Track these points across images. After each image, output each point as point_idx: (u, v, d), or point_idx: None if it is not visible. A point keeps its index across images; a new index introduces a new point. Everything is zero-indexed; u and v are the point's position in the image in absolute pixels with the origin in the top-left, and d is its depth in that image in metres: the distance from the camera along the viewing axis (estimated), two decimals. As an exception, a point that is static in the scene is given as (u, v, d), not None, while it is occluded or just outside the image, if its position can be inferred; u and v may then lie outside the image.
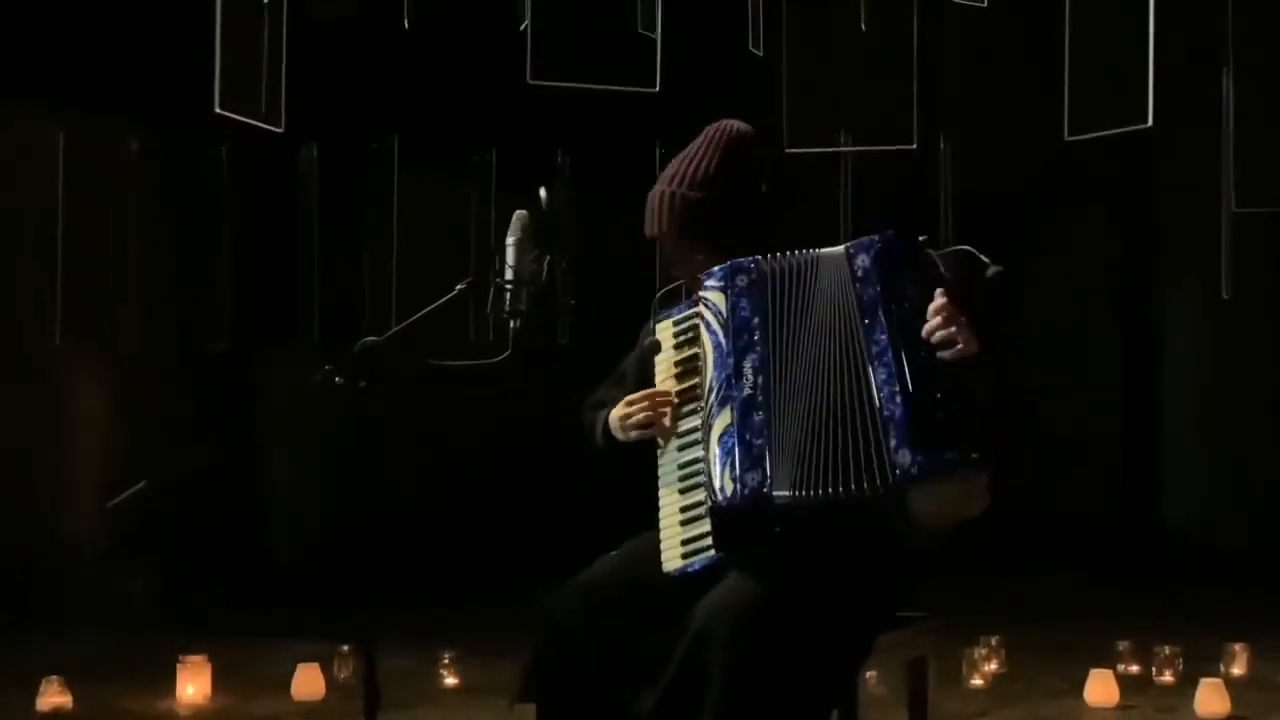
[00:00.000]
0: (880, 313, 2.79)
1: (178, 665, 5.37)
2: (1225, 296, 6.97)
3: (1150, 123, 5.40)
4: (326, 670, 5.47)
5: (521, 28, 5.58)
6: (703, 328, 2.91)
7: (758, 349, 2.85)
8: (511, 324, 2.97)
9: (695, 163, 3.04)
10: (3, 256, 7.43)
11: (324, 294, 7.65)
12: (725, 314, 2.88)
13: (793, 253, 2.90)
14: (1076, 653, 5.93)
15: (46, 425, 7.83)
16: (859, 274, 2.82)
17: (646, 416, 2.96)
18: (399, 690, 5.25)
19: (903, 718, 3.22)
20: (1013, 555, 8.99)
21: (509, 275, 2.95)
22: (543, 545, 8.32)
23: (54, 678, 5.16)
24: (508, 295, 2.95)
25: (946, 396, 2.74)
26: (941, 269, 2.84)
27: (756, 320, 2.86)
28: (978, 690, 5.50)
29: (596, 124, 7.10)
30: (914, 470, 2.71)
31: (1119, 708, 5.23)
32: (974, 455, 2.74)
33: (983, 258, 2.88)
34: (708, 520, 2.84)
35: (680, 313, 2.99)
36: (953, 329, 2.74)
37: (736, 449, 2.80)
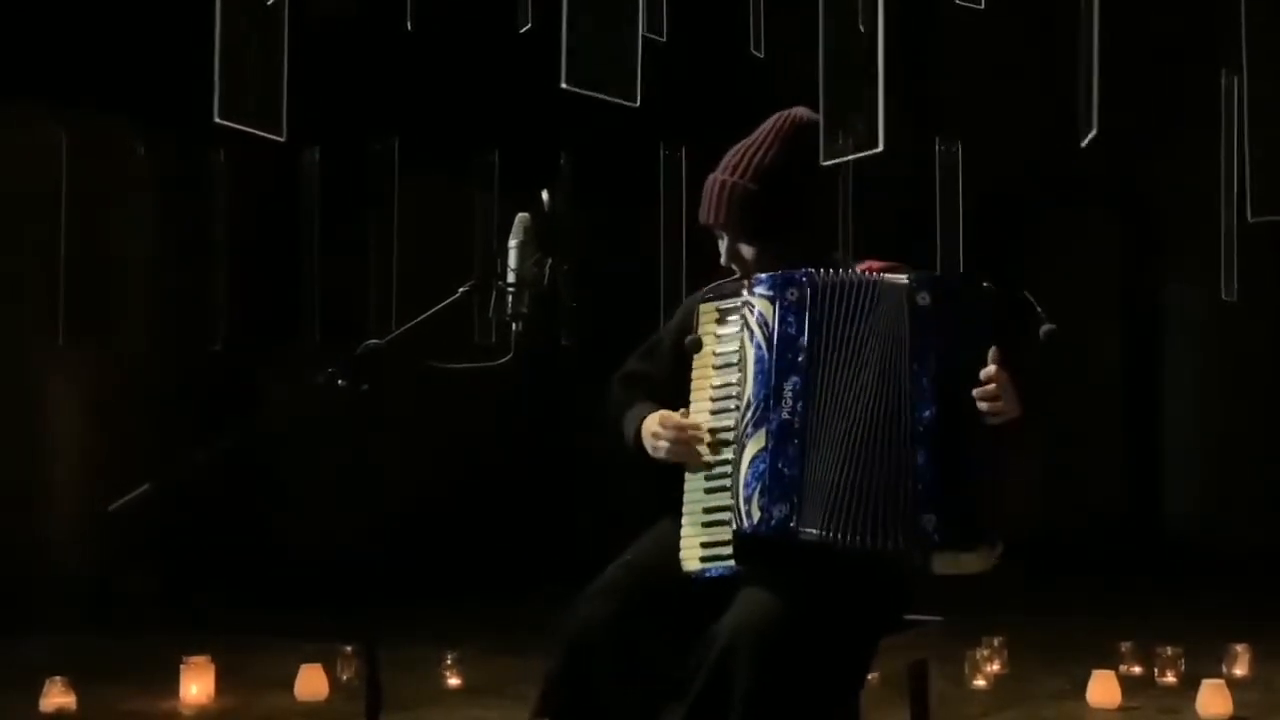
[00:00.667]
0: (931, 359, 2.75)
1: (181, 666, 5.38)
2: (1225, 298, 6.96)
3: (1094, 130, 5.38)
4: (329, 671, 5.47)
5: (524, 30, 5.58)
6: (746, 336, 2.86)
7: (801, 372, 2.80)
8: (513, 326, 2.96)
9: (757, 152, 2.98)
10: (5, 257, 7.43)
11: (326, 296, 7.65)
12: (772, 326, 2.83)
13: (850, 271, 2.86)
14: (1079, 653, 5.93)
15: (49, 426, 7.84)
16: (918, 311, 2.77)
17: (677, 451, 2.90)
18: (402, 690, 5.26)
19: (905, 719, 3.23)
20: (1015, 555, 8.98)
21: (511, 278, 2.94)
22: (545, 546, 8.34)
23: (57, 678, 5.17)
24: (510, 298, 2.94)
25: (981, 464, 2.73)
26: (998, 321, 2.81)
27: (803, 341, 2.81)
28: (980, 691, 5.50)
29: (599, 126, 7.10)
30: (936, 538, 2.72)
31: (1121, 709, 5.23)
32: (996, 535, 2.75)
33: (1039, 309, 2.86)
34: (728, 529, 2.82)
35: (728, 302, 2.93)
36: (1000, 398, 2.72)
37: (767, 476, 2.78)
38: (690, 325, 3.00)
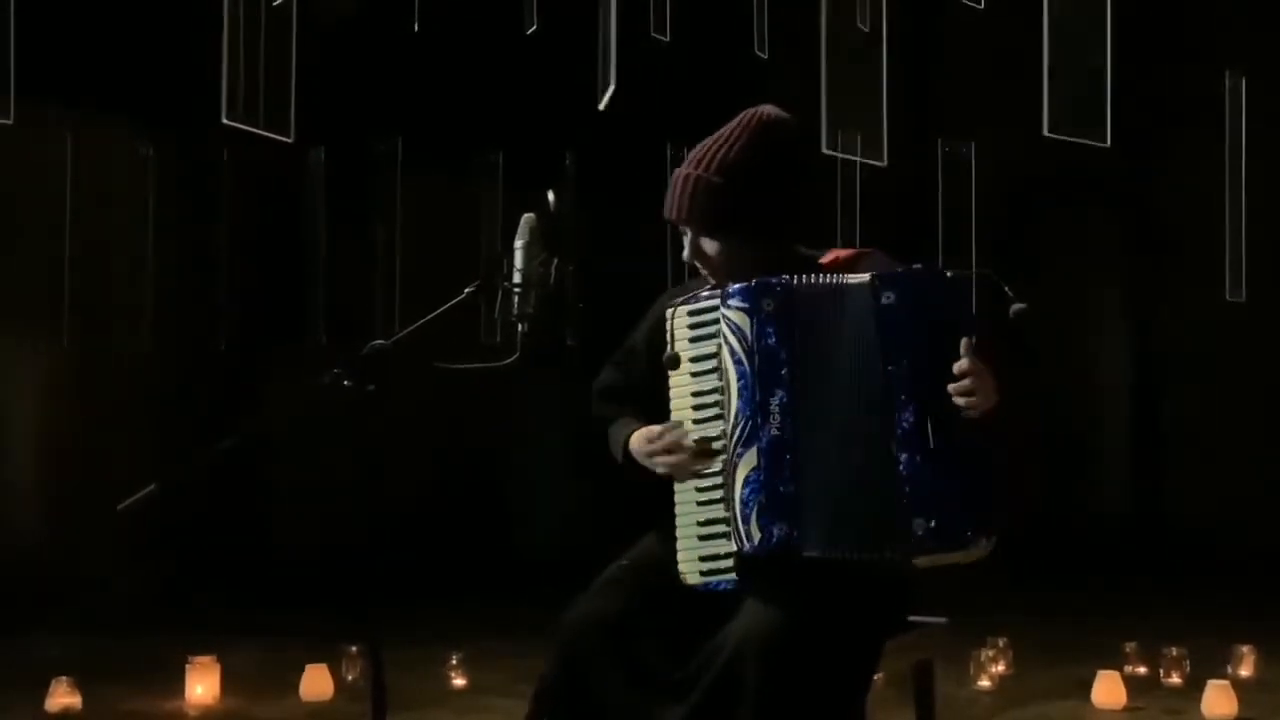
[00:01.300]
0: (903, 359, 2.71)
1: (186, 666, 5.38)
2: (1229, 299, 6.96)
3: (1108, 142, 5.38)
4: (335, 671, 5.48)
5: (530, 31, 5.58)
6: (724, 348, 2.82)
7: (785, 385, 2.76)
8: (519, 327, 2.95)
9: (721, 147, 2.92)
10: (11, 258, 7.44)
11: (331, 296, 7.66)
12: (750, 339, 2.79)
13: (820, 276, 2.81)
14: (1084, 654, 5.93)
15: (54, 427, 7.85)
16: (884, 311, 2.73)
17: (671, 460, 2.87)
18: (407, 691, 5.26)
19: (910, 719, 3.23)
20: (1019, 556, 8.99)
21: (517, 278, 2.94)
22: (549, 547, 8.35)
23: (63, 678, 5.18)
24: (516, 298, 2.94)
25: (965, 461, 2.70)
26: (966, 308, 2.77)
27: (784, 354, 2.77)
28: (985, 692, 5.50)
29: (604, 126, 7.11)
30: (926, 541, 2.71)
31: (1126, 709, 5.23)
32: (987, 528, 2.73)
33: (1006, 289, 2.82)
34: (725, 542, 2.81)
35: (698, 303, 2.88)
36: (976, 389, 2.69)
37: (764, 495, 2.76)
38: (661, 331, 2.95)
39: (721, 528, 2.82)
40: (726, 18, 7.15)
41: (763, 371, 2.78)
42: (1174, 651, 5.61)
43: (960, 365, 2.69)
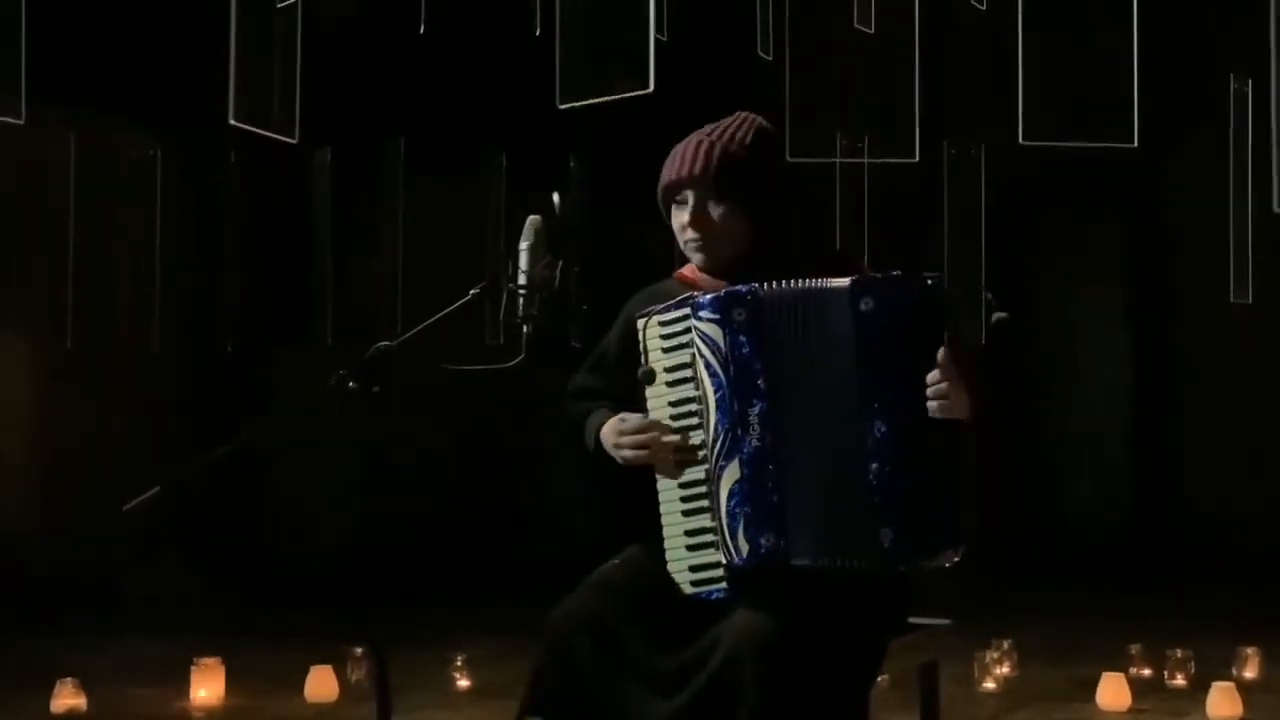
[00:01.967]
0: (879, 365, 2.70)
1: (191, 667, 5.39)
2: (1235, 300, 6.96)
3: (1136, 142, 5.38)
4: (339, 672, 5.48)
5: (537, 33, 5.59)
6: (700, 363, 2.81)
7: (762, 396, 2.76)
8: (524, 328, 2.96)
9: (732, 129, 2.96)
10: (15, 259, 7.46)
11: (337, 297, 7.67)
12: (724, 350, 2.78)
13: (795, 282, 2.80)
14: (1088, 656, 5.93)
15: (59, 428, 7.86)
16: (863, 317, 2.71)
17: (639, 457, 2.88)
18: (411, 692, 5.26)
19: (914, 721, 3.23)
20: (1024, 558, 8.99)
21: (522, 280, 2.94)
22: (556, 547, 8.35)
23: (68, 679, 5.18)
24: (521, 300, 2.95)
25: (934, 473, 2.70)
26: (945, 316, 2.76)
27: (759, 364, 2.76)
28: (989, 693, 5.50)
29: (609, 127, 7.11)
30: (892, 553, 2.71)
31: (1131, 711, 5.23)
32: (955, 539, 2.73)
33: (989, 297, 2.83)
34: (713, 552, 2.81)
35: (668, 313, 2.88)
36: (950, 397, 2.69)
37: (750, 507, 2.76)
38: (632, 338, 2.95)
39: (709, 537, 2.82)
40: (729, 18, 7.15)
41: (739, 382, 2.77)
42: (1179, 653, 5.60)
43: (934, 375, 2.70)
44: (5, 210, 7.38)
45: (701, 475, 2.83)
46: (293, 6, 5.63)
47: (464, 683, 5.59)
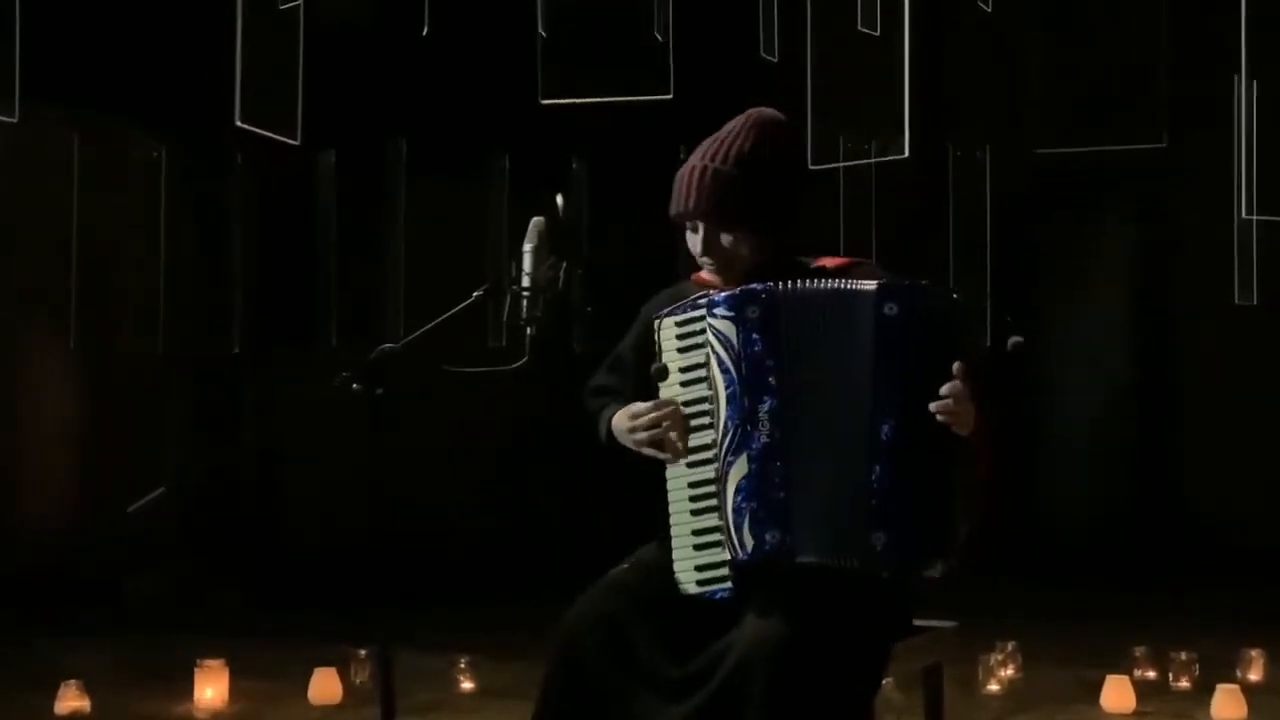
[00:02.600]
0: (895, 371, 2.71)
1: (195, 669, 5.39)
2: (1239, 302, 6.96)
3: (1165, 142, 5.39)
4: (344, 674, 5.48)
5: (543, 35, 5.59)
6: (711, 357, 2.82)
7: (773, 392, 2.76)
8: (528, 330, 2.96)
9: (731, 142, 2.94)
10: (18, 259, 7.46)
11: (340, 299, 7.67)
12: (737, 347, 2.78)
13: (813, 281, 2.81)
14: (1092, 658, 5.93)
15: (63, 429, 7.86)
16: (883, 321, 2.72)
17: (652, 435, 2.88)
18: (415, 694, 5.26)
19: (919, 723, 3.23)
20: (1028, 559, 8.98)
21: (526, 282, 2.94)
22: (559, 549, 8.35)
23: (72, 681, 5.18)
24: (524, 302, 2.94)
25: (933, 484, 2.71)
26: (965, 330, 2.78)
27: (770, 361, 2.77)
28: (994, 696, 5.49)
29: (612, 129, 7.12)
30: (884, 556, 2.71)
31: (1135, 714, 5.22)
32: (946, 551, 2.74)
33: (1009, 319, 2.84)
34: (721, 551, 2.81)
35: (684, 313, 2.88)
36: (958, 412, 2.70)
37: (756, 502, 2.76)
38: (649, 341, 2.95)
39: (716, 536, 2.82)
40: (733, 19, 7.16)
41: (751, 379, 2.78)
42: (1183, 656, 5.60)
43: (948, 388, 2.70)
44: (8, 210, 7.38)
45: (711, 475, 2.83)
46: (296, 8, 5.63)
47: (468, 684, 5.58)
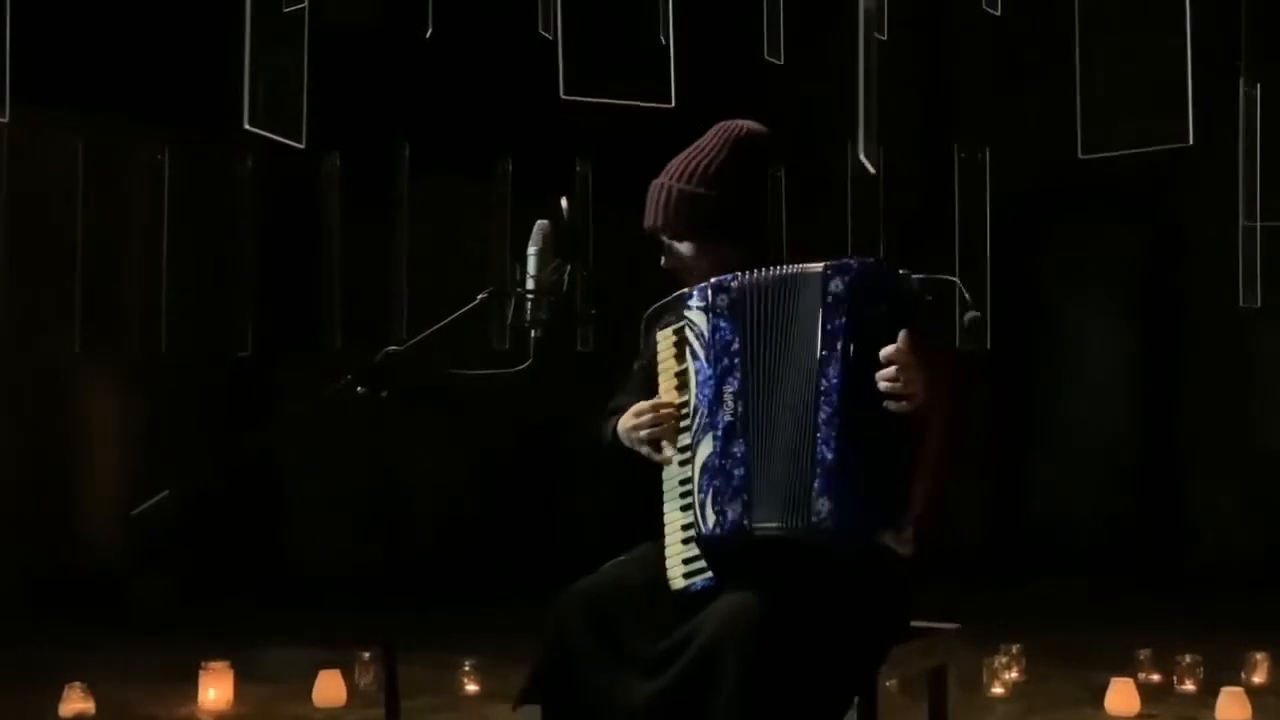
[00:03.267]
0: (838, 345, 2.76)
1: (200, 671, 5.39)
2: (1242, 304, 6.95)
3: (1191, 141, 5.39)
4: (348, 676, 5.49)
5: (551, 38, 5.58)
6: (688, 350, 2.91)
7: (737, 374, 2.84)
8: (532, 333, 2.97)
9: (700, 159, 3.03)
10: (23, 262, 7.46)
11: (345, 302, 7.67)
12: (707, 335, 2.87)
13: (776, 268, 2.87)
14: (1097, 661, 5.93)
15: (68, 432, 7.87)
16: (830, 298, 2.78)
17: (651, 434, 2.94)
18: (420, 696, 5.27)
19: (923, 726, 3.23)
20: (1033, 562, 8.98)
21: (530, 284, 2.95)
22: (563, 551, 8.35)
23: (76, 683, 5.19)
24: (529, 304, 2.95)
25: (879, 452, 2.74)
26: (914, 305, 2.81)
27: (736, 344, 2.85)
28: (998, 698, 5.49)
29: (616, 132, 7.12)
30: (827, 522, 2.73)
31: (1140, 716, 5.22)
32: (896, 520, 2.76)
33: (965, 294, 2.87)
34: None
35: (673, 321, 2.97)
36: (901, 381, 2.73)
37: (718, 478, 2.82)
38: (652, 351, 3.03)
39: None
40: (739, 22, 7.15)
41: (717, 363, 2.86)
42: (1188, 658, 5.60)
43: (888, 352, 2.74)
44: (13, 212, 7.38)
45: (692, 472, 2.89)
46: (301, 11, 5.63)
47: (472, 687, 5.59)
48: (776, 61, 6.37)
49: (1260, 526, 8.92)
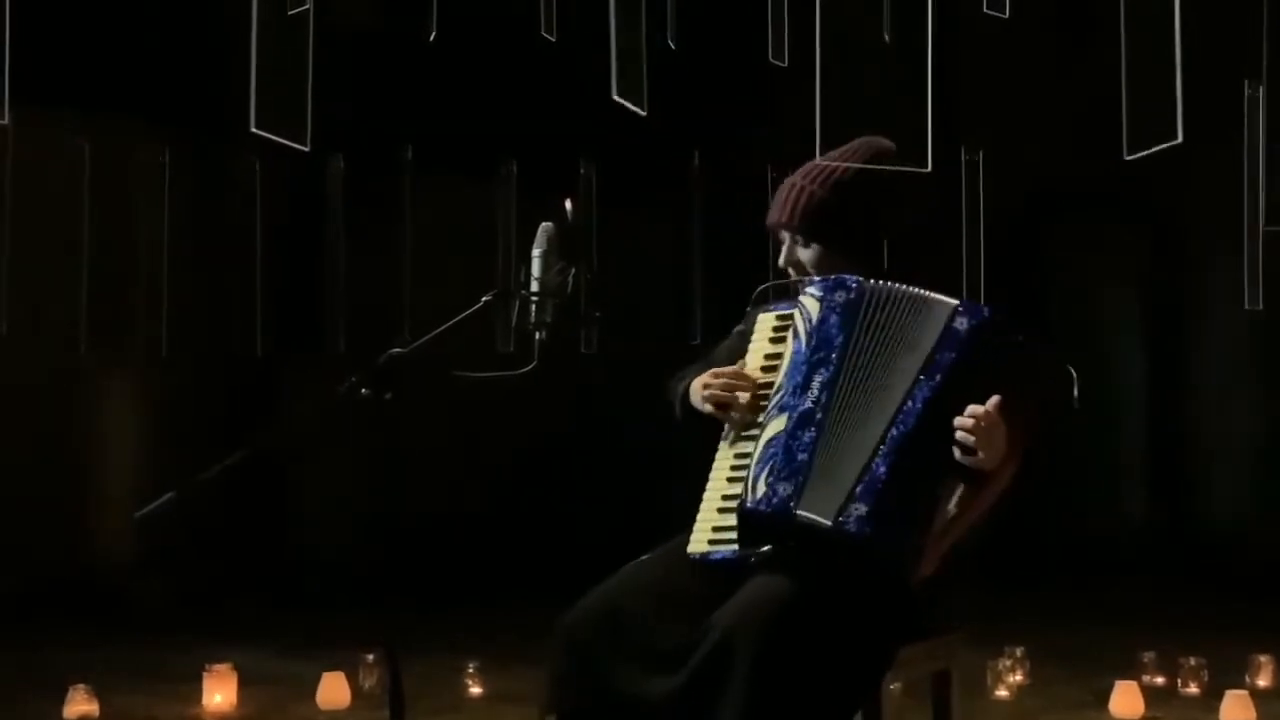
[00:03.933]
0: (937, 377, 2.83)
1: (204, 673, 5.40)
2: (1247, 307, 6.95)
3: (1180, 139, 5.38)
4: (352, 678, 5.49)
5: (552, 39, 5.59)
6: (790, 332, 2.97)
7: (831, 367, 2.89)
8: (537, 335, 2.98)
9: (830, 169, 3.11)
10: (29, 265, 7.47)
11: (349, 304, 7.68)
12: (813, 323, 2.94)
13: (909, 287, 2.93)
14: (1101, 664, 5.92)
15: (72, 434, 7.87)
16: (950, 332, 2.86)
17: (724, 396, 2.99)
18: (424, 699, 5.27)
19: (927, 729, 3.23)
20: (1037, 565, 8.97)
21: (535, 287, 2.96)
22: (568, 553, 8.35)
23: (81, 685, 5.19)
24: (533, 306, 2.96)
25: (924, 489, 2.81)
26: (1026, 371, 2.89)
27: (840, 340, 2.91)
28: (1002, 701, 5.49)
29: (620, 133, 7.12)
30: (851, 527, 2.78)
31: (1144, 719, 5.22)
32: (896, 563, 2.80)
33: (1074, 379, 2.95)
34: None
35: (784, 309, 3.04)
36: (976, 437, 2.78)
37: (780, 456, 2.86)
38: (745, 340, 3.10)
39: (738, 501, 2.90)
40: (743, 24, 7.15)
41: (815, 353, 2.92)
42: (1192, 661, 5.59)
43: (974, 409, 2.79)
44: (18, 214, 7.39)
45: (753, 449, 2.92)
46: (305, 13, 5.63)
47: (476, 689, 5.59)
48: (780, 64, 6.37)
49: (1265, 529, 8.91)
